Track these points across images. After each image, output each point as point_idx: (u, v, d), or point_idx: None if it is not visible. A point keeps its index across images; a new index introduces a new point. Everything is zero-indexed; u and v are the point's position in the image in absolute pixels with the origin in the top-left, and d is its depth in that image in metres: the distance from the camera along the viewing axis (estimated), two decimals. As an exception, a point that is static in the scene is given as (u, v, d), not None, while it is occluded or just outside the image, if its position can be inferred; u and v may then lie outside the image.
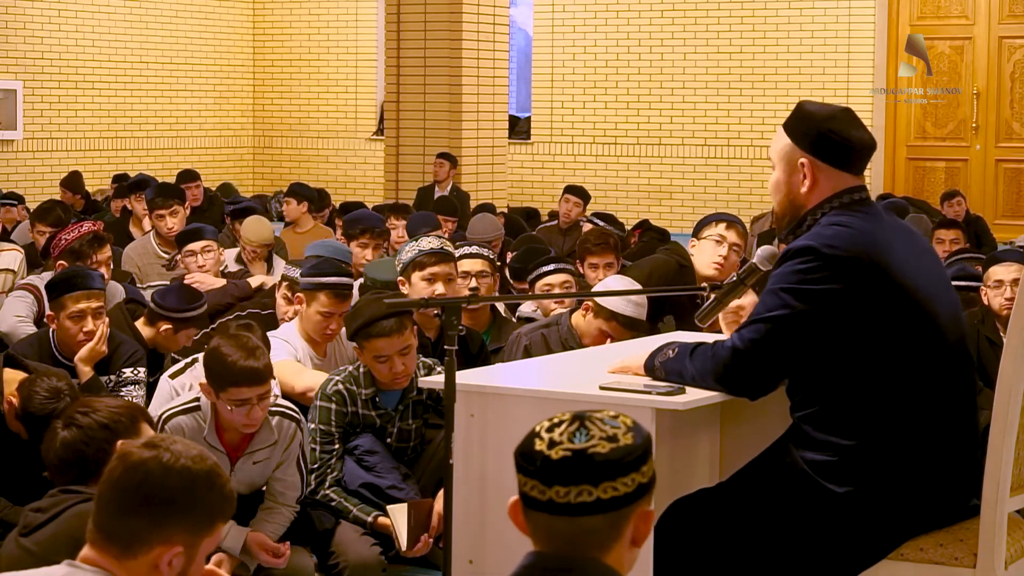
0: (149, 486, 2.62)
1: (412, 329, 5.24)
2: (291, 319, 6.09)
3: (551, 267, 6.74)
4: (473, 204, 11.79)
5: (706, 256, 6.22)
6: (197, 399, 4.93)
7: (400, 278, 6.06)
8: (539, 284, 6.69)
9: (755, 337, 3.63)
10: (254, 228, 8.53)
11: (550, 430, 2.40)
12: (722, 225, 6.30)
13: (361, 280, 6.52)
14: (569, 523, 2.37)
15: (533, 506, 2.38)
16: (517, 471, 2.39)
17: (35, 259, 8.39)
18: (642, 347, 4.11)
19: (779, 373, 3.69)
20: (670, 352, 3.86)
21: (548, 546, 2.39)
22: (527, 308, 7.09)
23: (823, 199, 3.71)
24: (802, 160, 3.71)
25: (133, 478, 2.62)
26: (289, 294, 6.29)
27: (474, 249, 6.59)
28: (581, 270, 7.09)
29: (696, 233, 6.40)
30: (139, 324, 6.14)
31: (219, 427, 4.90)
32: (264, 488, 5.12)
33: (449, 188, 12.43)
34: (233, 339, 4.77)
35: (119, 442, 3.74)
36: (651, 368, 3.90)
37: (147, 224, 9.93)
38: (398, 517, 5.05)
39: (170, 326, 6.07)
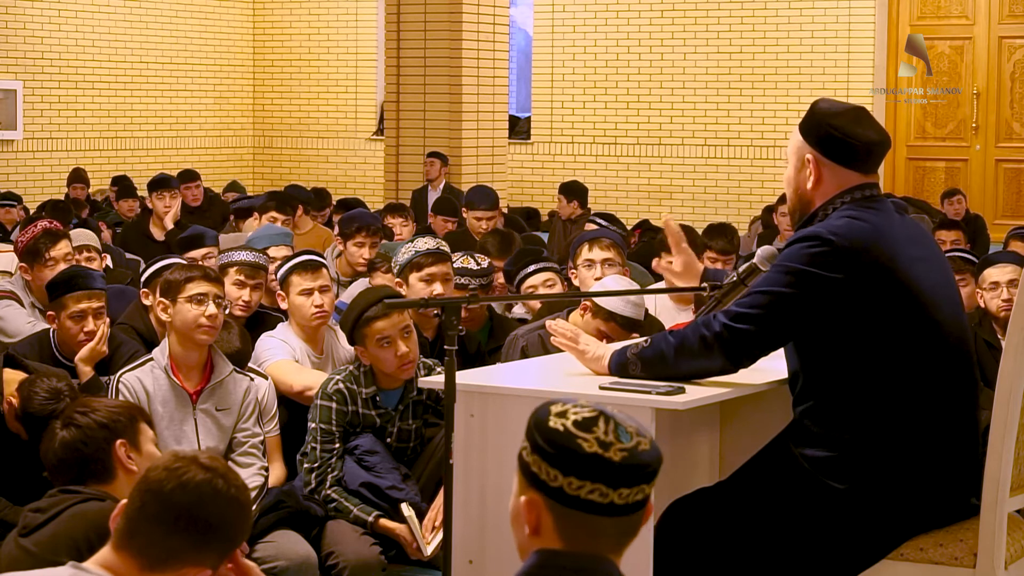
0: (201, 510, 2.60)
1: (407, 312, 5.27)
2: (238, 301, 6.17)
3: (532, 268, 6.71)
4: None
5: (587, 284, 6.36)
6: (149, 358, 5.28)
7: (398, 280, 6.06)
8: (523, 286, 6.66)
9: (755, 303, 3.68)
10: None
11: (585, 428, 2.35)
12: (584, 247, 6.46)
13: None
14: (618, 522, 2.35)
15: (584, 508, 2.34)
16: (565, 474, 2.34)
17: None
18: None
19: (768, 345, 3.73)
20: (643, 343, 3.88)
21: (570, 545, 2.36)
22: (519, 309, 7.07)
23: (831, 195, 3.76)
24: (808, 156, 3.78)
25: (184, 497, 2.60)
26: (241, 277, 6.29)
27: (463, 280, 6.40)
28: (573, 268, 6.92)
29: (573, 262, 6.54)
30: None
31: (175, 369, 5.20)
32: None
33: (442, 187, 12.37)
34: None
35: (117, 442, 3.74)
36: (622, 364, 3.89)
37: (168, 222, 9.99)
38: (415, 523, 5.06)
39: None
